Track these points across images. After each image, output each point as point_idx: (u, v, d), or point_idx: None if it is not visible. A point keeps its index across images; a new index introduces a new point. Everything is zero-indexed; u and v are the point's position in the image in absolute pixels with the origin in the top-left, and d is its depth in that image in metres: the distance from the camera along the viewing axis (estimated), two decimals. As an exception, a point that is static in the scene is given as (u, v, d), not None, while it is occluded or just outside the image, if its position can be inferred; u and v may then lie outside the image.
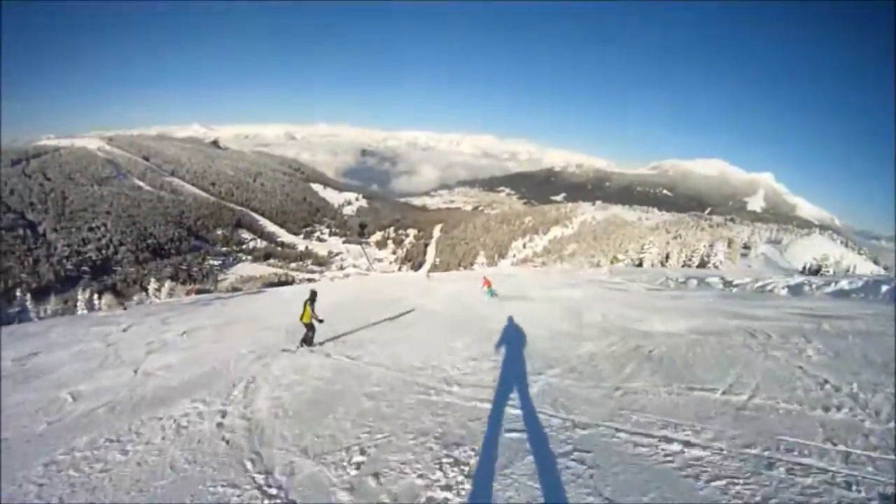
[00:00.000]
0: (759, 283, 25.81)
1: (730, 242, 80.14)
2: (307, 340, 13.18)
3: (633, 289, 27.44)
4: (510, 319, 14.97)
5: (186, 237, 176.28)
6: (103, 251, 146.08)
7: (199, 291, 53.44)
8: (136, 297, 65.87)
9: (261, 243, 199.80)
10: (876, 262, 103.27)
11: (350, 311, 19.41)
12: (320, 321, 13.08)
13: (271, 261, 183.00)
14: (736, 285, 26.91)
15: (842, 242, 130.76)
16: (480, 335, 12.95)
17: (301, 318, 13.01)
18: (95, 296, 60.80)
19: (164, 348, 14.69)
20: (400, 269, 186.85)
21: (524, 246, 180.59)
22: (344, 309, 20.36)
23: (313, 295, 13.41)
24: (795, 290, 23.10)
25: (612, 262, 77.87)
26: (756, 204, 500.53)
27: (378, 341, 13.29)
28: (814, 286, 23.06)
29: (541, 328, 13.53)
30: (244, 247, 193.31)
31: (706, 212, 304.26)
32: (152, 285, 61.60)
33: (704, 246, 74.91)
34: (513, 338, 12.23)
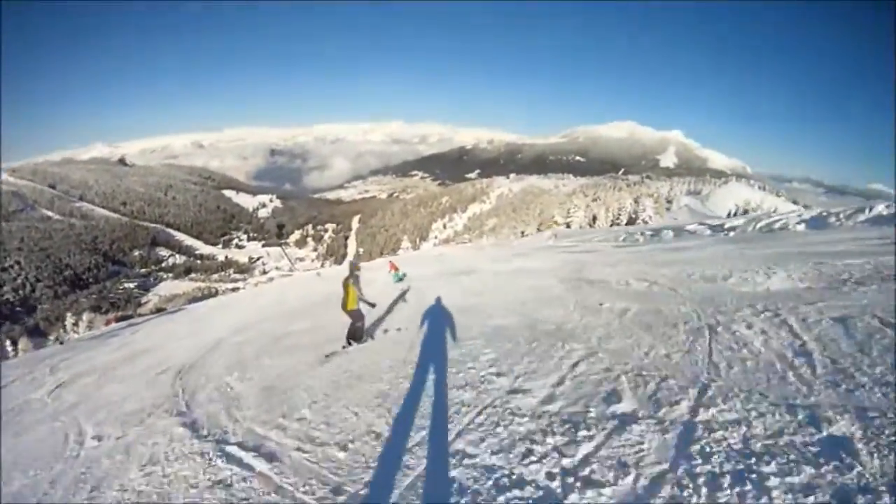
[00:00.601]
0: (764, 223, 23.73)
1: (656, 198, 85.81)
2: (356, 335, 10.24)
3: (603, 248, 25.56)
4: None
5: (103, 263, 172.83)
6: (20, 291, 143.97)
7: (120, 318, 56.26)
8: (52, 336, 67.53)
9: (180, 259, 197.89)
10: (795, 203, 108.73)
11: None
12: (372, 305, 10.78)
13: (193, 275, 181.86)
14: (729, 228, 25.45)
15: (759, 187, 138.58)
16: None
17: (344, 306, 10.01)
18: (8, 342, 62.83)
19: (19, 417, 10.80)
20: (322, 264, 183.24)
21: (444, 226, 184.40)
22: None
23: (354, 269, 10.48)
24: (817, 224, 21.10)
25: (539, 230, 79.24)
26: (668, 160, 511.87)
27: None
28: (841, 216, 21.08)
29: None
30: (163, 265, 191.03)
31: (620, 172, 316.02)
32: (69, 320, 63.51)
33: (630, 203, 78.36)
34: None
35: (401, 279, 23.31)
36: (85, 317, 65.30)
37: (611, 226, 70.41)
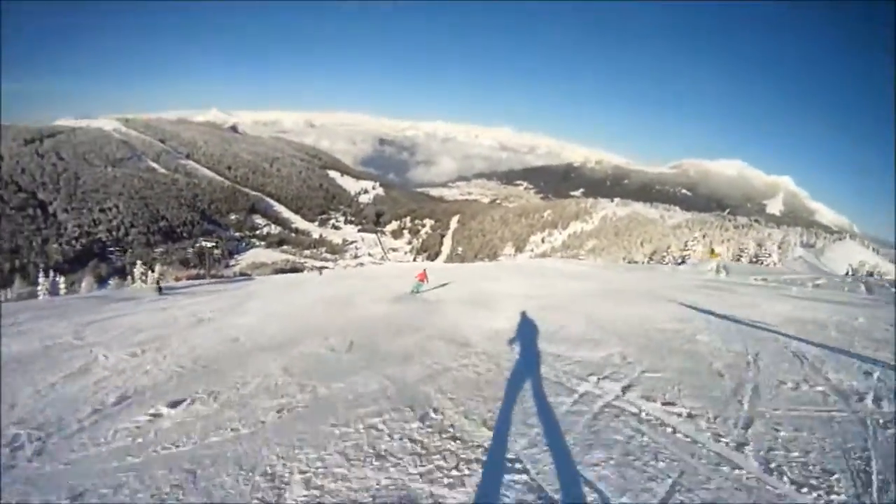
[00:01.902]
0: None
1: (780, 244, 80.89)
2: None
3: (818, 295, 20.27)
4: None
5: (199, 221, 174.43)
6: (114, 232, 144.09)
7: (194, 277, 50.22)
8: (111, 282, 63.31)
9: (275, 229, 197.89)
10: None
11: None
12: None
13: (284, 247, 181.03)
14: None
15: (873, 249, 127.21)
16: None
17: None
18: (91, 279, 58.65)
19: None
20: (415, 258, 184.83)
21: (543, 240, 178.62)
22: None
23: None
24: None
25: (650, 259, 76.73)
26: (775, 207, 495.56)
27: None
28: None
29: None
30: (258, 232, 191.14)
31: (726, 212, 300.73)
32: (137, 269, 58.62)
33: (753, 245, 72.96)
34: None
35: (417, 291, 22.34)
36: (157, 269, 59.61)
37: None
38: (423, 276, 23.38)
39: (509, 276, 29.02)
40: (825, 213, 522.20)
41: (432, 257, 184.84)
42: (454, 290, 22.68)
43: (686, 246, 73.66)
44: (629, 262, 71.00)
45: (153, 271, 57.71)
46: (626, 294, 19.14)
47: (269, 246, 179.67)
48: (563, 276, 30.22)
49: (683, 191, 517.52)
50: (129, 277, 62.52)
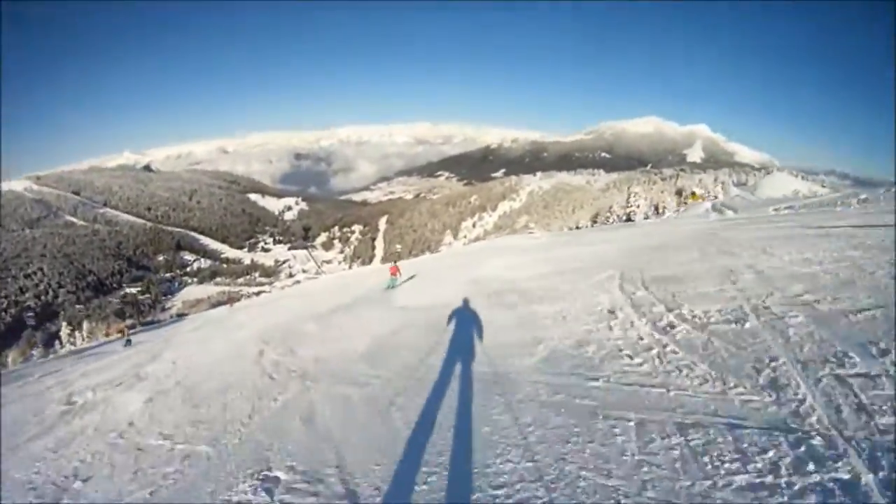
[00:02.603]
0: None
1: (723, 183, 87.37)
2: None
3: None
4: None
5: (127, 268, 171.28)
6: (42, 297, 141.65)
7: (129, 327, 51.38)
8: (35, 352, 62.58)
9: (205, 263, 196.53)
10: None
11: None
12: None
13: (218, 279, 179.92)
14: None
15: (801, 177, 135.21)
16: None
17: None
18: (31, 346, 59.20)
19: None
20: (350, 266, 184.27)
21: (474, 225, 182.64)
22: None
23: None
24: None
25: (595, 222, 79.96)
26: (695, 155, 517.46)
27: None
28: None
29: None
30: (188, 269, 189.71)
31: (648, 167, 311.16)
32: (64, 329, 59.54)
33: (697, 190, 77.31)
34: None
35: (392, 286, 22.36)
36: (85, 326, 60.64)
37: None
38: (396, 270, 23.73)
39: (492, 259, 24.54)
40: (745, 153, 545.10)
41: (367, 262, 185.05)
42: (446, 284, 19.18)
43: (629, 203, 76.59)
44: (577, 229, 72.27)
45: (80, 331, 58.62)
46: (688, 247, 16.52)
47: (202, 281, 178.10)
48: (551, 248, 27.27)
49: (603, 154, 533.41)
50: (56, 343, 62.35)
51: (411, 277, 24.37)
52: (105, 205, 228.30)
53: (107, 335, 48.28)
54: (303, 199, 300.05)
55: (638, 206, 74.10)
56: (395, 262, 27.82)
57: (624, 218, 72.30)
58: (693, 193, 47.57)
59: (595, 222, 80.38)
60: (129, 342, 26.43)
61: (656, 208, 73.00)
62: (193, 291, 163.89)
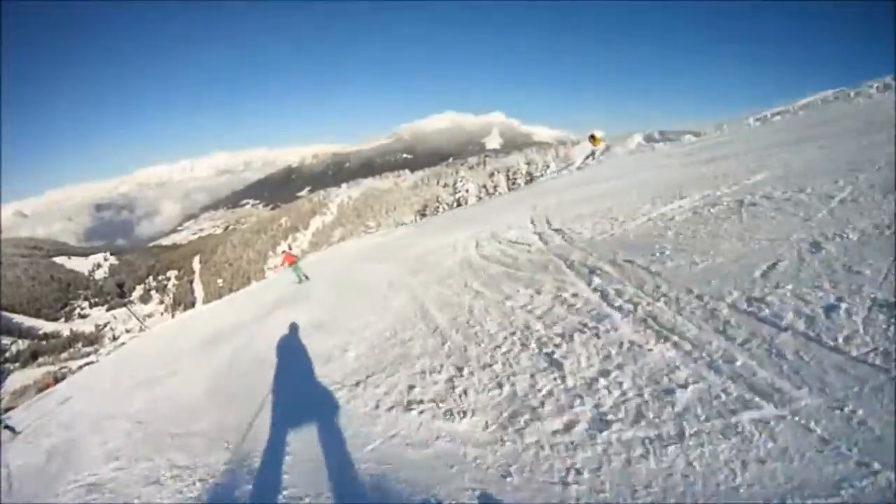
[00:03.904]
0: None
1: (545, 160, 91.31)
2: None
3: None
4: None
5: None
6: None
7: None
8: None
9: (23, 344, 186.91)
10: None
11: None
12: None
13: (41, 359, 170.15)
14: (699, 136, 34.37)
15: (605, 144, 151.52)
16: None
17: None
18: None
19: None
20: (173, 314, 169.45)
21: (289, 247, 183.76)
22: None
23: None
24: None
25: (424, 214, 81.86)
26: (494, 142, 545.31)
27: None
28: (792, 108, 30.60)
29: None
30: (7, 354, 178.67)
31: (451, 160, 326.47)
32: None
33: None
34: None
35: (301, 277, 21.18)
36: None
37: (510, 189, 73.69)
38: (290, 257, 22.30)
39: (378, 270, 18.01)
40: (542, 133, 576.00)
41: (189, 306, 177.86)
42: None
43: (456, 189, 79.18)
44: (399, 225, 69.48)
45: None
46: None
47: (24, 365, 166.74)
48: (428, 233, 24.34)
49: (405, 155, 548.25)
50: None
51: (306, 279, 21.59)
52: None
53: None
54: (111, 254, 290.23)
55: (467, 191, 77.89)
56: (284, 252, 25.52)
57: (455, 204, 73.96)
58: (593, 136, 44.33)
59: (424, 215, 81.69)
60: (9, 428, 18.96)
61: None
62: (17, 378, 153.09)
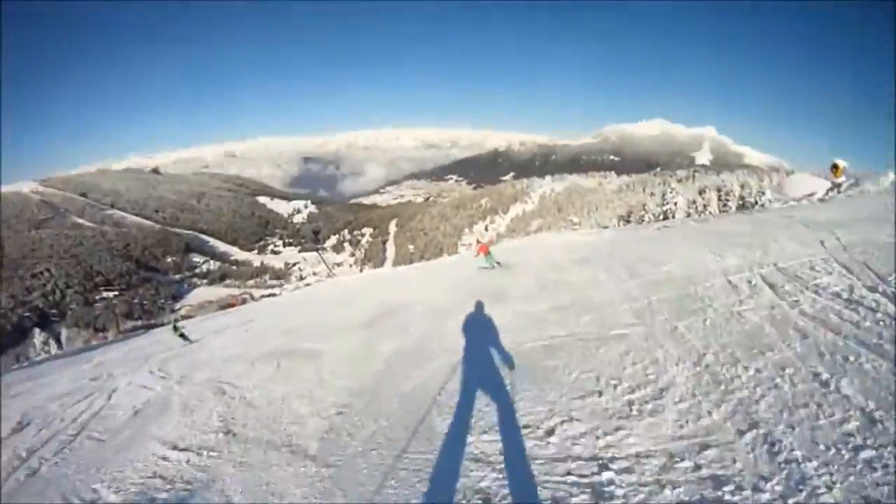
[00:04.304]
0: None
1: (761, 183, 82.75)
2: None
3: None
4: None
5: (135, 269, 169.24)
6: (50, 297, 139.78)
7: (130, 329, 49.01)
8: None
9: (214, 265, 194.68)
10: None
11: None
12: None
13: (227, 281, 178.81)
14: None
15: (822, 178, 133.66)
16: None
17: None
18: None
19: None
20: (361, 269, 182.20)
21: (486, 228, 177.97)
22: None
23: None
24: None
25: (627, 220, 77.58)
26: (704, 157, 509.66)
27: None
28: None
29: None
30: (197, 271, 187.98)
31: (657, 170, 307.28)
32: (37, 338, 58.01)
33: (736, 188, 76.68)
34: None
35: (492, 265, 20.09)
36: (64, 333, 59.96)
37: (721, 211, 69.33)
38: (484, 247, 21.07)
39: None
40: (754, 156, 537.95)
41: (378, 264, 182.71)
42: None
43: (665, 200, 76.32)
44: (603, 227, 70.92)
45: (57, 340, 57.25)
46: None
47: (211, 283, 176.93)
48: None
49: (611, 157, 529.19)
50: (32, 348, 60.75)
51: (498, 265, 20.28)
52: (112, 206, 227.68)
53: (87, 341, 46.54)
54: (312, 202, 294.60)
55: (676, 204, 74.05)
56: (478, 241, 24.67)
57: (661, 216, 71.16)
58: (836, 166, 43.14)
59: (628, 222, 77.79)
60: (183, 336, 23.39)
61: (699, 205, 73.25)
62: (203, 293, 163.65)
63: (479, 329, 10.77)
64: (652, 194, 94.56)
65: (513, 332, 9.99)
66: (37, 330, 63.42)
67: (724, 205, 73.49)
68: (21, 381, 22.07)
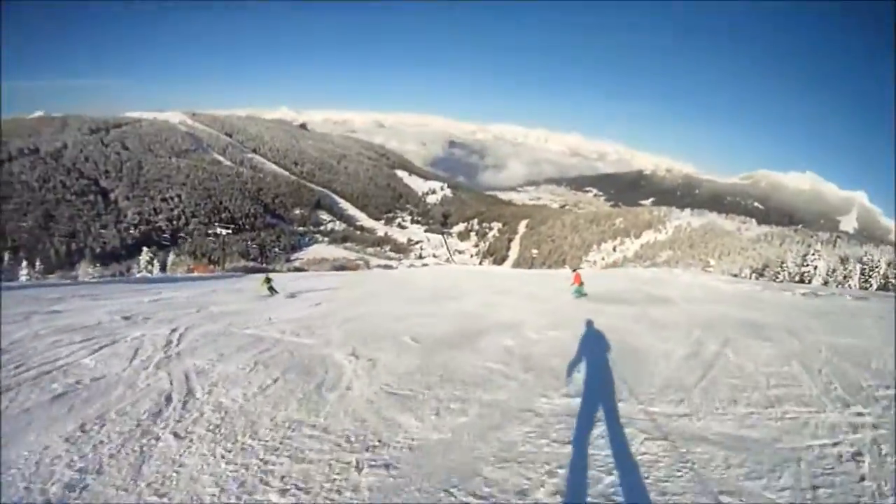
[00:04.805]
0: None
1: None
2: None
3: None
4: None
5: (262, 214, 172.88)
6: (174, 221, 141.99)
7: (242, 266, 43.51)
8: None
9: (339, 226, 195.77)
10: None
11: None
12: None
13: (348, 244, 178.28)
14: None
15: None
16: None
17: None
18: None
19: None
20: (481, 262, 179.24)
21: (614, 249, 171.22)
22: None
23: None
24: None
25: (762, 274, 72.01)
26: (849, 224, 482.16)
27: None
28: None
29: None
30: (321, 228, 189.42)
31: (798, 227, 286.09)
32: (143, 257, 53.19)
33: (875, 267, 66.45)
34: None
35: (581, 294, 20.09)
36: (171, 258, 54.96)
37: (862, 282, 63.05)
38: (578, 277, 21.10)
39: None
40: None
41: (499, 261, 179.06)
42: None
43: (805, 261, 67.70)
44: (732, 276, 63.15)
45: (156, 262, 53.65)
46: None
47: (332, 242, 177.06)
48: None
49: (755, 203, 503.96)
50: (136, 265, 59.43)
51: None
52: (255, 151, 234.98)
53: (188, 271, 41.08)
54: (448, 186, 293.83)
55: (815, 268, 66.32)
56: (575, 269, 24.25)
57: (797, 277, 65.43)
58: None
59: (761, 275, 72.35)
60: (272, 290, 21.56)
61: (840, 273, 65.47)
62: (321, 250, 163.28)
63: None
64: (788, 251, 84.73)
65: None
66: (145, 248, 58.88)
67: (866, 280, 64.06)
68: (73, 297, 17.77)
